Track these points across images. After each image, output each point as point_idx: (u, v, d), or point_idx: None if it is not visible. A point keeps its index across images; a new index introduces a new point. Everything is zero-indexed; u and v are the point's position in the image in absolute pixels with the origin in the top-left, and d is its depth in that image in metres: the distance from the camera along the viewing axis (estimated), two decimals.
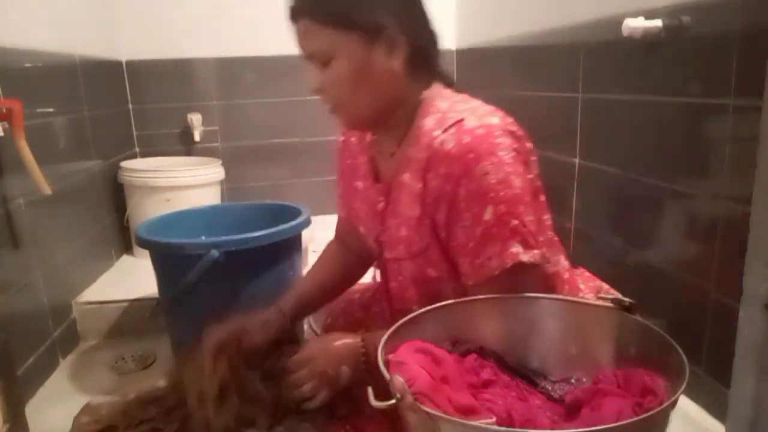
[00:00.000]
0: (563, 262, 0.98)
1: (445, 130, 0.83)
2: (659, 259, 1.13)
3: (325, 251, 1.23)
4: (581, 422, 0.66)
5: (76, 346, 1.52)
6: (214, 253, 1.16)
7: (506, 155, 0.81)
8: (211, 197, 1.97)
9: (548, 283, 0.93)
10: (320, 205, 1.64)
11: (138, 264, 1.87)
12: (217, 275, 1.17)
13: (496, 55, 1.95)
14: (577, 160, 1.41)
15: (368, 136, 1.03)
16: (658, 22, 1.02)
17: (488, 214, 0.81)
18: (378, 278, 1.10)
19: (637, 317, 0.75)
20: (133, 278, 1.72)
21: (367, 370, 0.91)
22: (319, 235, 1.48)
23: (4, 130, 1.14)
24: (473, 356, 0.78)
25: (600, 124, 1.33)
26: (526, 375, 0.79)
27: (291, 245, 1.31)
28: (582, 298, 0.93)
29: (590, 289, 1.00)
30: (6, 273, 1.19)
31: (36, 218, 1.31)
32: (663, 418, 0.61)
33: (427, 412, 0.59)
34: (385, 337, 0.72)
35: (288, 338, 1.10)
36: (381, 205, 0.97)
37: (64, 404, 1.11)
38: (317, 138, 2.20)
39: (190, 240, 1.20)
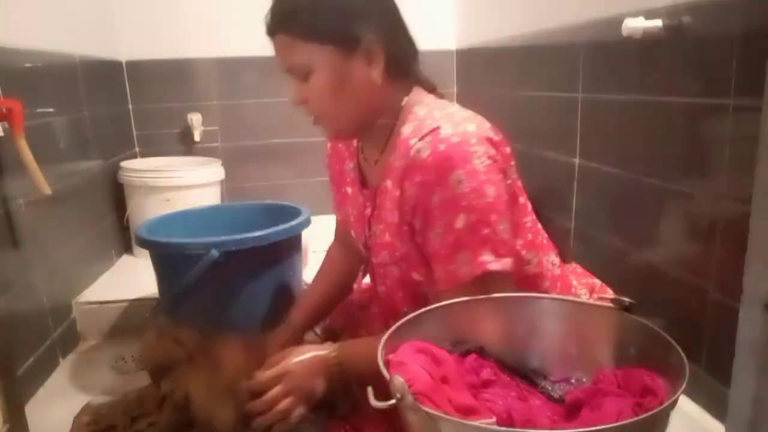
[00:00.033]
0: (551, 261, 0.98)
1: (422, 138, 0.84)
2: (659, 259, 1.13)
3: (327, 256, 1.24)
4: (581, 422, 0.66)
5: (76, 346, 1.52)
6: (214, 253, 1.16)
7: (481, 163, 0.81)
8: (211, 197, 1.97)
9: (528, 285, 0.93)
10: (320, 205, 1.64)
11: (138, 264, 1.87)
12: (217, 275, 1.17)
13: (496, 55, 1.95)
14: (577, 160, 1.41)
15: (354, 143, 1.04)
16: (658, 22, 1.02)
17: (460, 222, 0.81)
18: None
19: (637, 317, 0.75)
20: (133, 278, 1.72)
21: (340, 382, 0.91)
22: (319, 235, 1.48)
23: (4, 130, 1.14)
24: (473, 356, 0.78)
25: (600, 124, 1.33)
26: (526, 375, 0.79)
27: (291, 245, 1.31)
28: (582, 298, 0.93)
29: (583, 285, 1.00)
30: (6, 273, 1.19)
31: (36, 218, 1.31)
32: (663, 418, 0.61)
33: (427, 412, 0.59)
34: (385, 337, 0.72)
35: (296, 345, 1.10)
36: (368, 210, 0.98)
37: (64, 404, 1.11)
38: (317, 138, 2.18)
39: (190, 240, 1.20)
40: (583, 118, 1.37)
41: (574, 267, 1.06)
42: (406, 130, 0.88)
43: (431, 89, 0.99)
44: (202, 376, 0.94)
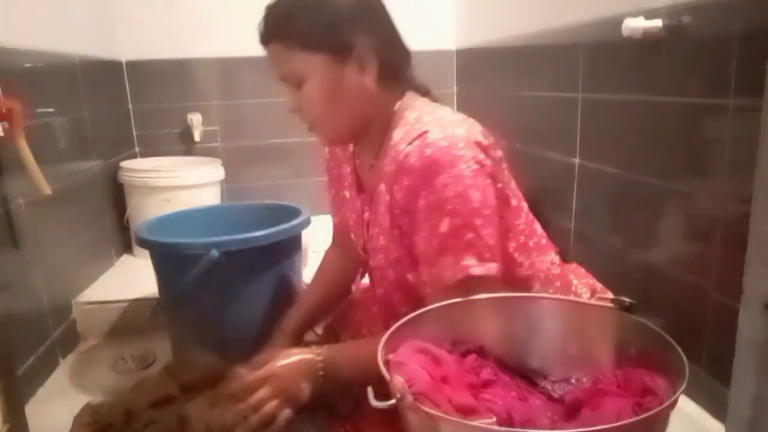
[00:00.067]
0: (549, 261, 0.98)
1: (410, 143, 0.84)
2: (659, 259, 1.13)
3: (323, 260, 1.24)
4: (581, 422, 0.66)
5: (76, 346, 1.52)
6: (214, 253, 1.16)
7: (467, 168, 0.81)
8: (211, 197, 1.97)
9: (518, 286, 0.93)
10: (320, 205, 1.64)
11: (138, 264, 1.87)
12: (217, 275, 1.17)
13: (496, 55, 1.95)
14: (577, 160, 1.41)
15: (351, 147, 1.04)
16: (658, 22, 1.02)
17: (445, 227, 0.82)
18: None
19: (637, 317, 0.75)
20: (133, 278, 1.72)
21: (326, 386, 0.91)
22: (319, 235, 1.48)
23: (4, 130, 1.14)
24: (473, 356, 0.78)
25: (600, 124, 1.33)
26: (526, 375, 0.79)
27: (291, 245, 1.31)
28: (582, 298, 0.93)
29: (584, 285, 1.00)
30: (6, 273, 1.19)
31: (36, 218, 1.31)
32: (663, 418, 0.61)
33: (427, 412, 0.59)
34: (385, 337, 0.72)
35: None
36: (366, 215, 0.98)
37: (64, 404, 1.11)
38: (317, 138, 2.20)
39: (190, 240, 1.20)
40: (583, 118, 1.37)
41: (575, 267, 1.06)
42: (397, 134, 0.89)
43: (425, 93, 0.99)
44: (202, 407, 0.94)
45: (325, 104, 0.90)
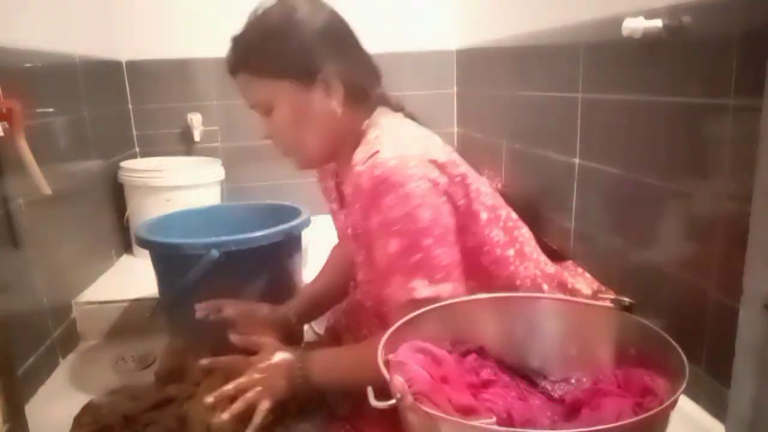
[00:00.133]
0: (530, 268, 0.97)
1: (364, 163, 0.85)
2: (659, 259, 1.13)
3: (331, 254, 1.25)
4: (581, 422, 0.66)
5: (76, 346, 1.52)
6: (214, 253, 1.16)
7: (417, 186, 0.81)
8: (211, 197, 1.97)
9: (501, 287, 0.92)
10: (320, 205, 1.63)
11: (138, 264, 1.87)
12: (217, 275, 1.17)
13: (496, 55, 1.95)
14: (577, 160, 1.41)
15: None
16: (658, 22, 1.02)
17: (393, 247, 0.82)
18: None
19: (637, 317, 0.75)
20: (133, 278, 1.72)
21: (303, 388, 0.91)
22: (319, 235, 1.47)
23: (4, 130, 1.14)
24: (473, 356, 0.78)
25: (600, 124, 1.32)
26: (526, 375, 0.80)
27: (291, 245, 1.31)
28: (581, 297, 0.93)
29: (582, 280, 1.00)
30: (6, 273, 1.19)
31: (36, 218, 1.31)
32: (663, 418, 0.61)
33: (427, 412, 0.59)
34: (385, 337, 0.72)
35: (290, 340, 1.10)
36: (349, 230, 0.99)
37: (64, 404, 1.11)
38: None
39: (190, 240, 1.20)
40: (583, 118, 1.37)
41: (568, 264, 1.05)
42: (357, 155, 0.89)
43: (397, 108, 1.00)
44: (207, 389, 0.94)
45: (295, 130, 0.92)
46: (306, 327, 1.25)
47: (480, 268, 0.90)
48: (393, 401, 0.61)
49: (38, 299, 1.34)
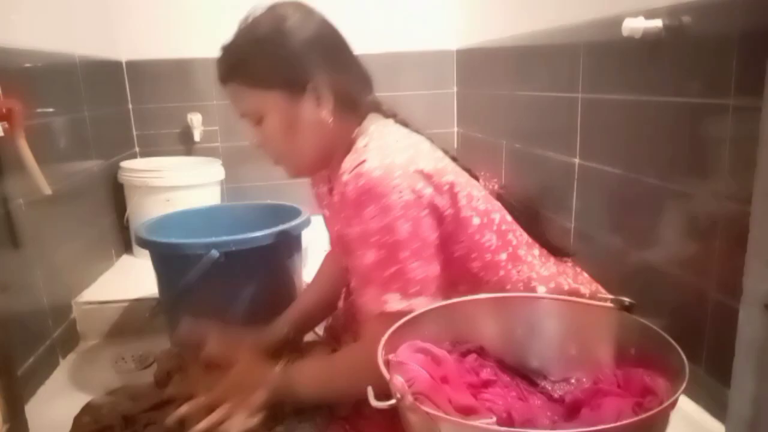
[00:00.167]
0: (523, 272, 0.95)
1: (351, 172, 0.84)
2: (659, 259, 1.13)
3: (324, 262, 1.24)
4: (581, 422, 0.66)
5: (76, 346, 1.52)
6: (214, 253, 1.16)
7: (399, 198, 0.80)
8: (211, 197, 1.97)
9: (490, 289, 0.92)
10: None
11: (138, 264, 1.87)
12: (217, 275, 1.17)
13: (496, 55, 1.95)
14: (577, 160, 1.41)
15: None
16: (658, 22, 1.02)
17: (369, 258, 0.82)
18: None
19: (637, 317, 0.75)
20: (133, 278, 1.72)
21: (283, 398, 0.91)
22: (319, 235, 1.47)
23: (4, 130, 1.14)
24: (473, 356, 0.78)
25: (600, 124, 1.33)
26: (526, 375, 0.79)
27: (291, 245, 1.31)
28: (582, 298, 0.93)
29: (581, 282, 0.99)
30: (6, 273, 1.19)
31: (36, 218, 1.31)
32: (663, 418, 0.61)
33: (427, 412, 0.59)
34: (386, 337, 0.72)
35: (290, 347, 1.10)
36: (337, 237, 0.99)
37: (64, 404, 1.11)
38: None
39: (190, 240, 1.20)
40: (583, 118, 1.37)
41: (565, 266, 1.05)
42: (345, 163, 0.89)
43: (390, 114, 0.99)
44: (204, 385, 0.95)
45: (285, 139, 0.93)
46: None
47: (469, 274, 0.90)
48: (393, 401, 0.61)
49: (38, 299, 1.34)
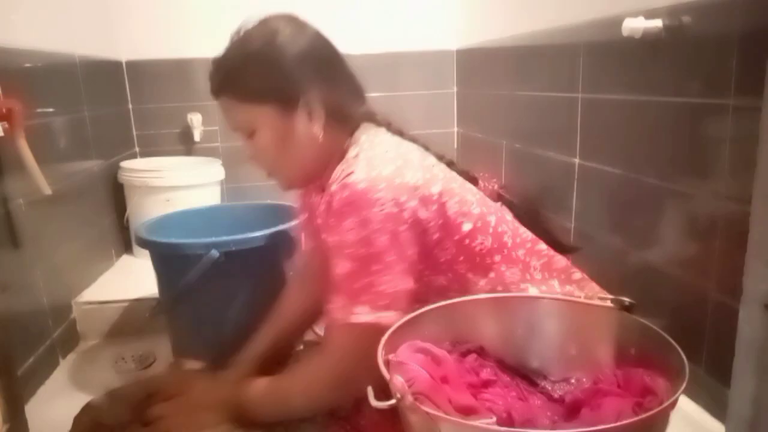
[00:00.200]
0: (516, 273, 0.94)
1: (338, 182, 0.84)
2: (659, 259, 1.13)
3: (287, 292, 1.18)
4: (581, 422, 0.66)
5: (76, 345, 1.52)
6: (214, 253, 1.16)
7: (380, 211, 0.80)
8: (211, 197, 1.97)
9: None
10: None
11: (138, 264, 1.87)
12: (217, 275, 1.17)
13: (496, 55, 1.95)
14: (577, 160, 1.41)
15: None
16: (658, 22, 1.02)
17: (342, 269, 0.82)
18: None
19: (637, 317, 0.75)
20: (133, 278, 1.72)
21: (239, 418, 0.90)
22: None
23: (4, 130, 1.14)
24: (473, 356, 0.78)
25: (600, 124, 1.33)
26: (526, 375, 0.79)
27: (291, 245, 1.31)
28: (582, 298, 0.93)
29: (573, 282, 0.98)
30: (6, 273, 1.19)
31: (36, 218, 1.31)
32: (663, 418, 0.61)
33: (427, 412, 0.59)
34: (386, 337, 0.72)
35: (280, 359, 1.09)
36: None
37: (63, 404, 1.11)
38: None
39: (190, 240, 1.20)
40: (583, 118, 1.37)
41: (565, 266, 1.04)
42: (335, 173, 0.89)
43: (383, 123, 0.99)
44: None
45: (276, 153, 0.93)
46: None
47: (457, 277, 0.90)
48: (393, 401, 0.61)
49: (38, 299, 1.34)
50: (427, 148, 1.00)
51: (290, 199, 1.48)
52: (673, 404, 0.59)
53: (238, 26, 0.93)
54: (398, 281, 0.82)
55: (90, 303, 1.57)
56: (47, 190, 1.23)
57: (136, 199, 1.89)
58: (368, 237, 0.80)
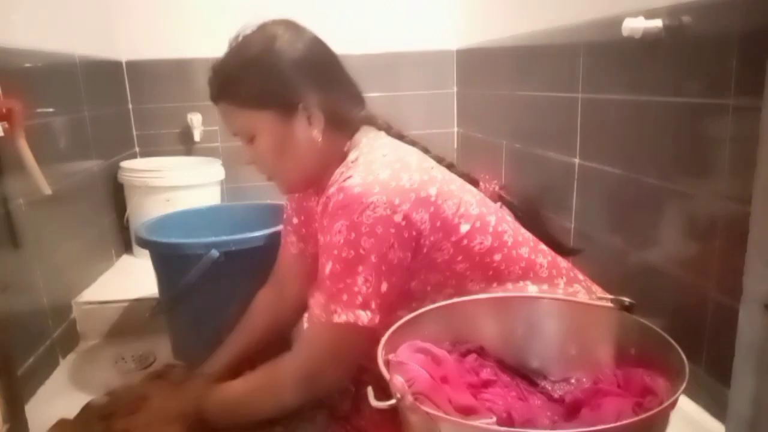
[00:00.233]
0: (517, 271, 0.94)
1: (336, 185, 0.86)
2: (659, 259, 1.13)
3: (257, 300, 1.18)
4: (581, 422, 0.66)
5: (76, 345, 1.52)
6: (214, 253, 1.16)
7: (372, 214, 0.81)
8: (211, 197, 1.97)
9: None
10: None
11: (138, 264, 1.87)
12: (217, 275, 1.17)
13: (496, 55, 1.95)
14: (577, 160, 1.41)
15: None
16: (658, 22, 1.02)
17: (327, 269, 0.83)
18: None
19: (637, 317, 0.75)
20: (133, 278, 1.72)
21: (205, 425, 0.90)
22: None
23: (4, 130, 1.14)
24: (473, 356, 0.78)
25: (600, 124, 1.33)
26: (526, 375, 0.80)
27: None
28: (582, 298, 0.93)
29: (570, 280, 0.98)
30: (6, 273, 1.19)
31: (36, 218, 1.31)
32: (663, 418, 0.61)
33: (427, 412, 0.59)
34: (386, 337, 0.72)
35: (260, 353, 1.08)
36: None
37: (64, 404, 1.11)
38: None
39: (190, 240, 1.20)
40: (583, 118, 1.37)
41: (566, 267, 1.04)
42: (335, 176, 0.90)
43: (383, 126, 0.99)
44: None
45: (276, 158, 0.93)
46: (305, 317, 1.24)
47: (455, 276, 0.90)
48: (393, 401, 0.61)
49: (38, 299, 1.34)
50: (427, 151, 1.00)
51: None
52: (673, 404, 0.59)
53: (237, 32, 0.94)
54: (380, 283, 0.82)
55: (90, 303, 1.57)
56: (47, 190, 1.23)
57: (136, 199, 1.89)
58: (355, 240, 0.81)
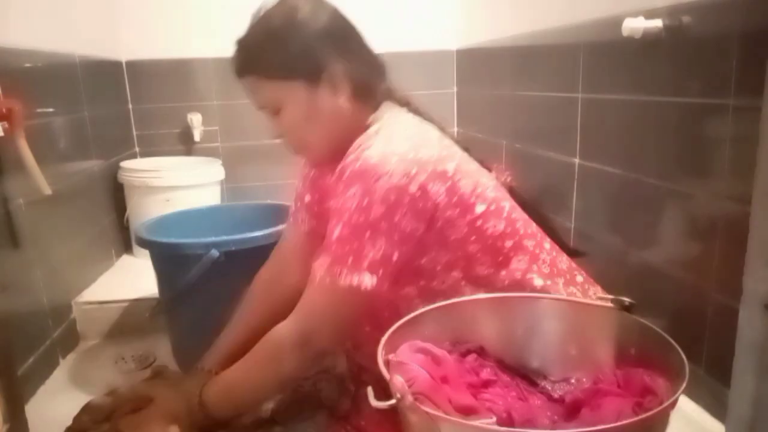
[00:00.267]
0: (525, 261, 0.94)
1: (354, 154, 0.86)
2: (659, 259, 1.13)
3: (256, 284, 1.16)
4: (581, 422, 0.66)
5: (76, 345, 1.52)
6: (214, 253, 1.16)
7: (387, 183, 0.81)
8: (211, 197, 1.97)
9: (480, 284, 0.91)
10: None
11: (138, 264, 1.87)
12: (217, 275, 1.17)
13: (496, 55, 1.95)
14: (577, 160, 1.41)
15: None
16: (658, 22, 1.02)
17: (336, 233, 0.84)
18: None
19: (637, 317, 0.75)
20: (133, 278, 1.72)
21: (204, 418, 0.90)
22: None
23: (4, 130, 1.14)
24: (473, 356, 0.78)
25: (600, 124, 1.33)
26: (526, 375, 0.80)
27: None
28: (582, 298, 0.93)
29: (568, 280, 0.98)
30: (6, 273, 1.19)
31: (36, 218, 1.31)
32: (663, 418, 0.61)
33: (427, 412, 0.59)
34: (386, 337, 0.72)
35: None
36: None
37: (64, 404, 1.11)
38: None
39: (190, 240, 1.20)
40: (583, 118, 1.37)
41: (562, 259, 1.04)
42: (354, 145, 0.90)
43: (404, 102, 1.00)
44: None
45: (304, 128, 0.94)
46: None
47: (466, 256, 0.90)
48: (393, 401, 0.61)
49: (38, 299, 1.34)
50: (443, 130, 1.00)
51: (289, 198, 1.49)
52: (673, 404, 0.59)
53: (258, 7, 0.94)
54: (389, 250, 0.83)
55: (90, 303, 1.57)
56: (47, 190, 1.23)
57: (135, 199, 1.89)
58: (368, 206, 0.81)
